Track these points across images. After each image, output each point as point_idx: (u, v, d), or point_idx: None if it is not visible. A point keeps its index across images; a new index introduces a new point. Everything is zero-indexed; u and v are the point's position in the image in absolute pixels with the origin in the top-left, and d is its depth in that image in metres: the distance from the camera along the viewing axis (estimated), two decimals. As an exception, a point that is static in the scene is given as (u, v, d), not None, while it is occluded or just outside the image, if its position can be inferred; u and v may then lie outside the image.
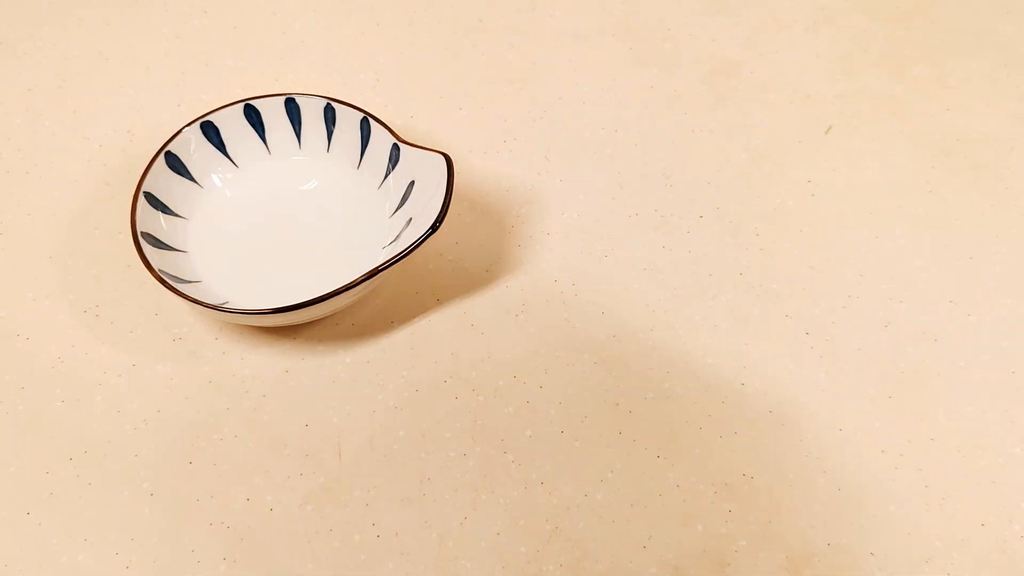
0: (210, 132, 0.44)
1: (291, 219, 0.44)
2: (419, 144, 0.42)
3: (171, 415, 0.39)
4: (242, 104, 0.44)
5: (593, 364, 0.41)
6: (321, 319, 0.41)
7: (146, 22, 0.55)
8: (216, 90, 0.51)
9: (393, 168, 0.43)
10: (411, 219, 0.41)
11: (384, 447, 0.38)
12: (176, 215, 0.43)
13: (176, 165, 0.43)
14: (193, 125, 0.43)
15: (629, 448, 0.38)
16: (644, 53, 0.53)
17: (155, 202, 0.42)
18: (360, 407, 0.39)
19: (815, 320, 0.42)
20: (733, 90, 0.51)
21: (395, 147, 0.43)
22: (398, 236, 0.41)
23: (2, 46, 0.53)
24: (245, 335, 0.41)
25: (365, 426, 0.39)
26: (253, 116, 0.45)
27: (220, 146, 0.45)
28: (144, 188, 0.41)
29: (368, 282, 0.38)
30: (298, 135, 0.45)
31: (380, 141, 0.43)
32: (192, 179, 0.44)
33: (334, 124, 0.44)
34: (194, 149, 0.44)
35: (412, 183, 0.42)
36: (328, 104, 0.44)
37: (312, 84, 0.51)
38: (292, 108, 0.45)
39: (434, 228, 0.38)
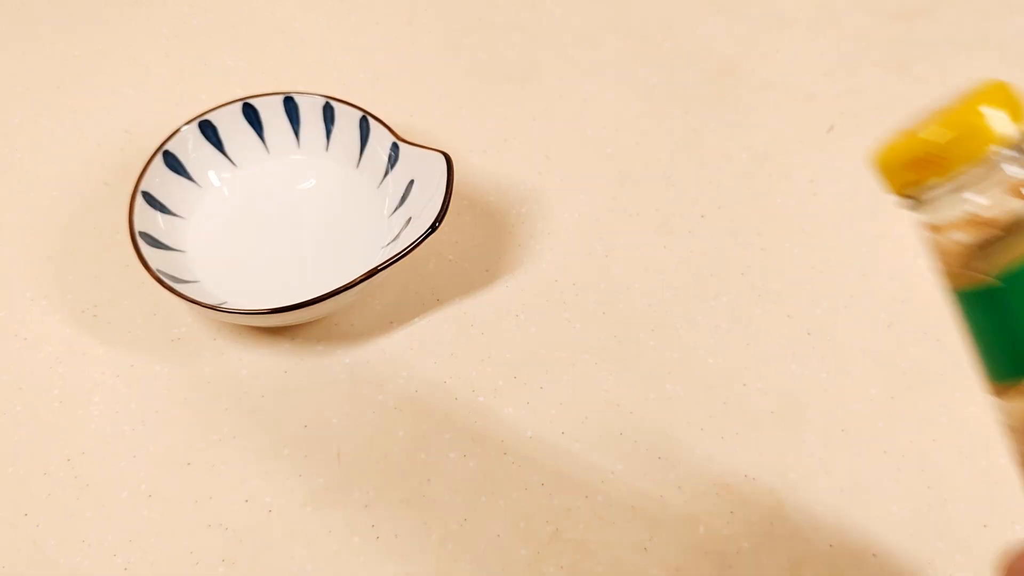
0: (208, 131, 0.44)
1: (290, 218, 0.44)
2: (418, 143, 0.42)
3: (169, 416, 0.39)
4: (240, 103, 0.44)
5: (594, 365, 0.40)
6: (320, 319, 0.41)
7: (145, 22, 0.54)
8: (214, 89, 0.50)
9: (392, 167, 0.43)
10: (410, 218, 0.41)
11: (383, 448, 0.38)
12: (174, 214, 0.43)
13: (174, 164, 0.43)
14: (191, 124, 0.43)
15: (630, 449, 0.38)
16: (645, 52, 0.53)
17: (153, 201, 0.42)
18: (359, 408, 0.39)
19: (817, 320, 0.42)
20: (735, 89, 0.51)
21: (394, 146, 0.42)
22: (397, 235, 0.41)
23: (1, 46, 0.53)
24: (244, 335, 0.41)
25: (364, 427, 0.38)
26: (251, 115, 0.44)
27: (218, 145, 0.44)
28: (142, 187, 0.41)
29: (367, 282, 0.38)
30: (297, 134, 0.45)
31: (379, 140, 0.43)
32: (190, 178, 0.44)
33: (333, 123, 0.44)
34: (192, 148, 0.44)
35: (411, 182, 0.42)
36: (327, 103, 0.44)
37: (311, 83, 0.51)
38: (291, 107, 0.44)
39: (433, 227, 0.38)
